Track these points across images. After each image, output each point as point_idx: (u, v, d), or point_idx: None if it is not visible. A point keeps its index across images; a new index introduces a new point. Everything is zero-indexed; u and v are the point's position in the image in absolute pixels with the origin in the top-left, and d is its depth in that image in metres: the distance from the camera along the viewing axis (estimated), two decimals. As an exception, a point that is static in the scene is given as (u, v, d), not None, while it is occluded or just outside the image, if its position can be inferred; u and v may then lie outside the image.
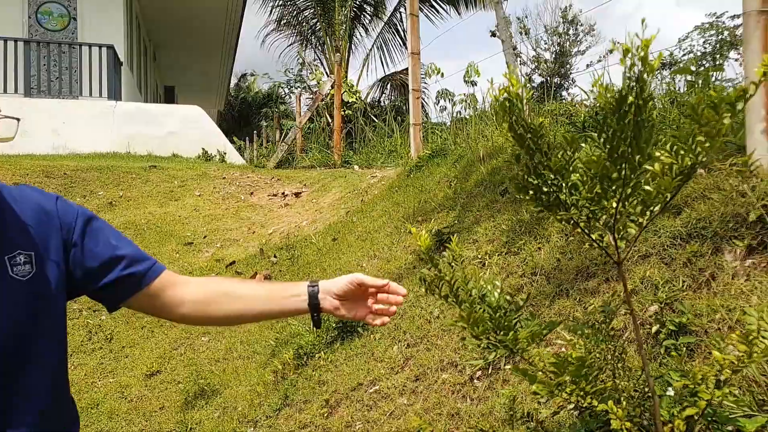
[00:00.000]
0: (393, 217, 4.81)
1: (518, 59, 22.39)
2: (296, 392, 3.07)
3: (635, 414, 1.26)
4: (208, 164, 9.12)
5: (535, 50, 24.19)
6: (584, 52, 23.91)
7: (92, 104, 10.34)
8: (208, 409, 3.32)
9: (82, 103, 10.39)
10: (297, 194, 6.97)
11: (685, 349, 1.68)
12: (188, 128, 10.81)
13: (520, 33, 23.22)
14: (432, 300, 3.17)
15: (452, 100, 12.07)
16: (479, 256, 3.16)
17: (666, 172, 1.16)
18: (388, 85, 18.00)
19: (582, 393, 1.09)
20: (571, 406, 1.38)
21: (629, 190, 1.17)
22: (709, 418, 1.31)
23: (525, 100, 1.18)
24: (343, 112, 10.69)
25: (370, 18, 17.12)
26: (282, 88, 19.73)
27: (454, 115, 9.47)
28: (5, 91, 10.07)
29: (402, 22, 17.13)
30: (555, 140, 1.22)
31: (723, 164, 2.21)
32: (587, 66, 23.69)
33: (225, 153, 10.63)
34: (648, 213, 1.23)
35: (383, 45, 17.20)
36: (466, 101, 13.28)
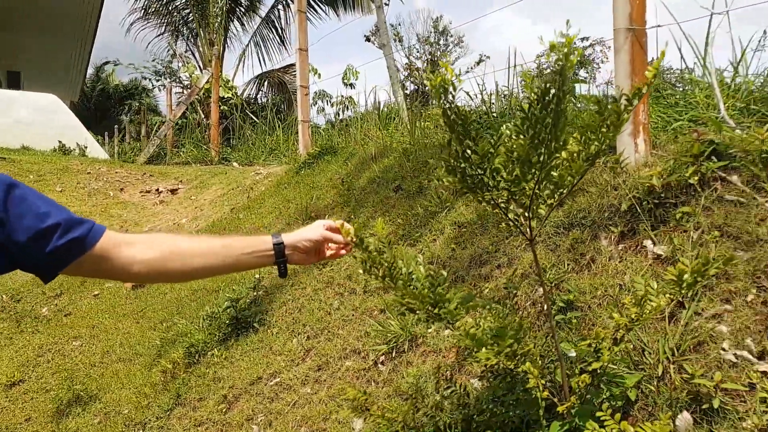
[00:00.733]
0: (284, 214, 4.80)
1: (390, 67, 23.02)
2: (189, 391, 2.98)
3: (544, 374, 1.42)
4: (68, 158, 8.44)
5: (408, 58, 25.03)
6: (453, 62, 25.18)
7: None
8: (85, 416, 3.11)
9: None
10: (173, 191, 6.69)
11: (575, 321, 1.89)
12: (42, 118, 9.92)
13: (394, 40, 23.94)
14: (330, 293, 3.23)
15: (330, 101, 12.18)
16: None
17: (574, 158, 1.33)
18: (266, 83, 17.74)
19: (511, 355, 1.22)
20: (488, 373, 1.52)
21: (545, 174, 1.32)
22: (602, 377, 1.50)
23: (457, 89, 1.29)
24: (219, 108, 10.39)
25: (245, 12, 16.75)
26: (149, 80, 18.70)
27: (336, 115, 9.59)
28: None
29: (280, 19, 16.99)
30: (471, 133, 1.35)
31: (598, 162, 2.50)
32: (457, 76, 24.94)
33: (86, 147, 9.91)
34: (557, 195, 1.40)
35: (261, 41, 16.92)
36: (344, 103, 13.49)
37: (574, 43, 1.22)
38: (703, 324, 1.60)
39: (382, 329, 2.58)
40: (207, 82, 10.15)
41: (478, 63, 24.31)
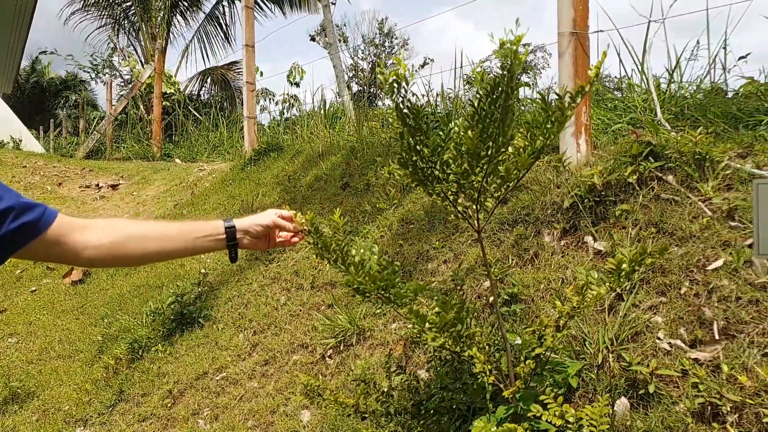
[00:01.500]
0: (229, 210, 4.73)
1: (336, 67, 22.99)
2: (133, 386, 2.91)
3: (490, 361, 1.47)
4: (1, 151, 8.04)
5: (353, 59, 25.07)
6: (398, 64, 25.31)
7: None
8: (23, 414, 2.98)
9: None
10: (113, 186, 6.48)
11: (519, 312, 1.95)
12: (-29, 109, 9.43)
13: (339, 41, 23.92)
14: (277, 288, 3.21)
15: (274, 99, 12.06)
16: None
17: (520, 153, 1.38)
18: (209, 79, 17.35)
19: (456, 336, 1.25)
20: (437, 360, 1.55)
21: (492, 167, 1.36)
22: (545, 365, 1.56)
23: (410, 84, 1.32)
24: (161, 103, 10.11)
25: (188, 7, 16.34)
26: (88, 72, 17.97)
27: (281, 114, 9.51)
28: None
29: (225, 15, 16.65)
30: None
31: (540, 161, 2.59)
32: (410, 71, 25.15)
33: (21, 140, 9.48)
34: (503, 189, 1.44)
35: (204, 37, 16.54)
36: (290, 101, 13.39)
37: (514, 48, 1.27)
38: (640, 315, 1.68)
39: (330, 323, 2.59)
40: (149, 76, 9.86)
41: (422, 65, 24.62)
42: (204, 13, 16.33)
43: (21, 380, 3.21)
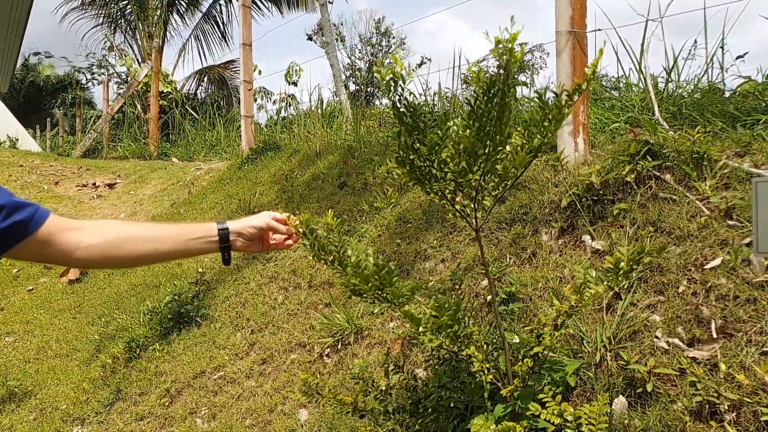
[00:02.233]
0: (226, 209, 4.72)
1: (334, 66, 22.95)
2: (130, 385, 2.90)
3: (488, 360, 1.46)
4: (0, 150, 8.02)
5: (350, 58, 25.03)
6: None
7: None
8: (20, 413, 2.97)
9: None
10: (111, 185, 6.47)
11: (517, 311, 1.95)
12: (-32, 108, 9.39)
13: (336, 40, 23.85)
14: (275, 287, 3.20)
15: (271, 98, 12.06)
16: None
17: (518, 151, 1.37)
18: (206, 78, 17.33)
19: (453, 336, 1.25)
20: (434, 360, 1.55)
21: (490, 166, 1.36)
22: (543, 364, 1.56)
23: (407, 83, 1.31)
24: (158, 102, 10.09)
25: (186, 7, 16.31)
26: (83, 73, 17.93)
27: (277, 112, 9.50)
28: None
29: (222, 14, 16.63)
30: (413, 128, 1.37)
31: (538, 159, 2.59)
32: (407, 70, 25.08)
33: (17, 139, 9.46)
34: (501, 187, 1.44)
35: (201, 36, 16.52)
36: (287, 100, 13.39)
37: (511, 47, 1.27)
38: (638, 314, 1.68)
39: (327, 322, 2.58)
40: (146, 75, 9.84)
41: (420, 65, 24.58)
42: (201, 12, 16.32)
43: (18, 379, 3.20)
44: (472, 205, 1.45)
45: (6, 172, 6.45)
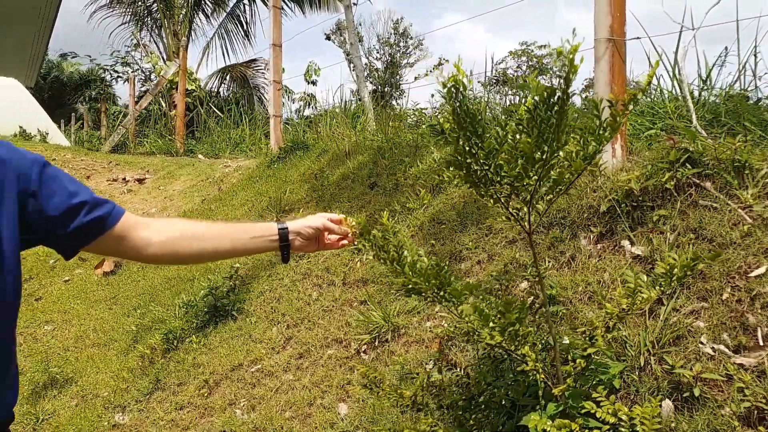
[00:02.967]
0: (257, 207, 4.80)
1: (351, 64, 23.04)
2: (168, 375, 2.98)
3: (538, 359, 1.51)
4: (30, 143, 8.20)
5: (367, 58, 25.03)
6: (413, 64, 25.24)
7: None
8: (62, 399, 3.07)
9: None
10: (140, 180, 6.59)
11: (560, 313, 1.99)
12: (1, 102, 9.59)
13: (347, 39, 23.79)
14: (308, 284, 3.27)
15: (291, 97, 12.16)
16: (354, 243, 3.32)
17: (573, 157, 1.42)
18: (228, 77, 17.50)
19: (513, 335, 1.29)
20: (485, 358, 1.60)
21: (545, 171, 1.40)
22: (589, 366, 1.60)
23: (468, 89, 1.36)
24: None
25: (213, 8, 16.51)
26: (107, 71, 18.23)
27: (297, 111, 9.58)
28: None
29: (245, 14, 16.80)
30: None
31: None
32: (415, 78, 25.07)
33: (47, 133, 9.64)
34: (554, 192, 1.48)
35: (225, 35, 16.70)
36: (307, 100, 13.48)
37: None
38: (681, 319, 1.71)
39: (364, 319, 2.64)
40: (174, 73, 9.99)
41: (437, 66, 24.55)
42: (225, 11, 16.49)
43: (59, 366, 3.30)
44: (526, 209, 1.50)
45: (39, 166, 6.60)
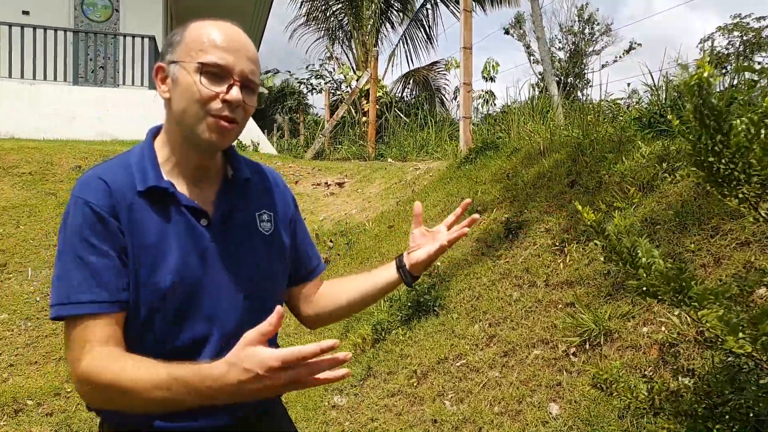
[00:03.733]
0: (449, 208, 4.94)
1: (531, 57, 22.41)
2: (379, 364, 3.22)
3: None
4: (246, 153, 9.28)
5: (549, 49, 24.13)
6: (600, 52, 23.80)
7: (133, 93, 10.54)
8: (289, 380, 3.47)
9: (124, 92, 10.60)
10: (340, 184, 7.12)
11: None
12: (221, 116, 10.97)
13: (534, 32, 23.11)
14: (507, 284, 3.31)
15: (489, 99, 12.19)
16: (556, 244, 3.30)
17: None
18: (411, 81, 18.13)
19: (767, 345, 1.22)
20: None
21: (804, 169, 1.30)
22: None
23: (713, 86, 1.32)
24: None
25: (401, 17, 17.24)
26: (303, 84, 19.96)
27: (476, 109, 9.60)
28: (55, 79, 10.31)
29: (428, 17, 17.28)
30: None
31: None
32: (603, 66, 23.61)
33: (258, 143, 10.79)
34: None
35: (409, 41, 17.34)
36: (485, 97, 13.40)
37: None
38: None
39: (572, 322, 2.62)
40: (366, 82, 10.65)
41: (628, 51, 22.91)
42: (409, 18, 17.11)
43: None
44: (777, 210, 1.40)
45: (256, 172, 7.49)
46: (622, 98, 7.01)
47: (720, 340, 1.32)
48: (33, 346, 4.18)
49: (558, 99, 7.51)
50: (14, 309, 4.50)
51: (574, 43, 24.01)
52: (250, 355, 0.92)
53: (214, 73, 1.09)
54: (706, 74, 1.30)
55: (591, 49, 23.97)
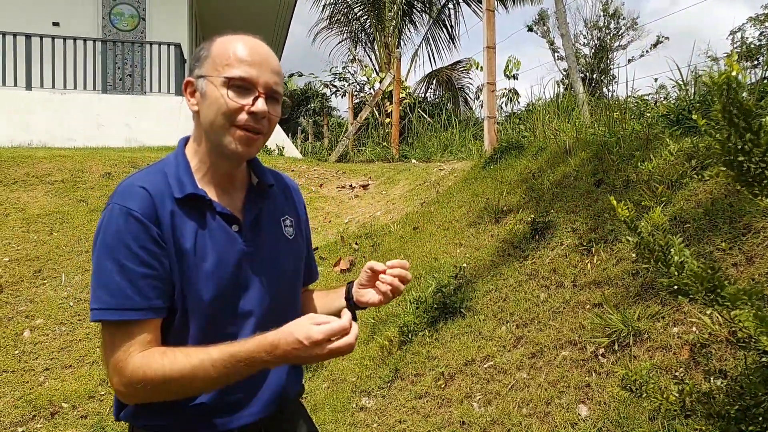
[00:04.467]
0: (473, 208, 4.93)
1: (556, 54, 22.19)
2: (406, 366, 3.23)
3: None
4: (270, 157, 9.38)
5: (573, 45, 23.84)
6: (626, 46, 23.43)
7: (161, 100, 10.74)
8: (316, 381, 3.50)
9: (151, 99, 10.80)
10: (364, 186, 7.15)
11: None
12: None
13: (558, 28, 22.86)
14: (534, 285, 3.29)
15: (513, 97, 12.11)
16: (583, 244, 3.27)
17: None
18: (434, 81, 18.12)
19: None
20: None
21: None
22: None
23: (741, 86, 1.30)
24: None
25: (424, 18, 17.24)
26: (327, 86, 20.09)
27: (499, 108, 9.54)
28: (84, 88, 10.57)
29: (450, 18, 17.26)
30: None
31: None
32: (629, 61, 23.25)
33: (283, 147, 10.88)
34: None
35: (431, 41, 17.33)
36: (508, 96, 13.30)
37: None
38: None
39: (600, 322, 2.59)
40: (389, 84, 10.67)
41: (655, 45, 22.54)
42: (432, 18, 17.11)
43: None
44: (809, 208, 1.38)
45: (281, 176, 7.57)
46: (649, 94, 6.92)
47: (753, 340, 1.30)
48: (67, 350, 4.28)
49: (583, 96, 7.43)
50: (49, 314, 4.62)
51: (599, 39, 23.71)
52: (301, 326, 1.03)
53: (240, 86, 1.14)
54: (734, 73, 1.28)
55: (617, 44, 23.65)
